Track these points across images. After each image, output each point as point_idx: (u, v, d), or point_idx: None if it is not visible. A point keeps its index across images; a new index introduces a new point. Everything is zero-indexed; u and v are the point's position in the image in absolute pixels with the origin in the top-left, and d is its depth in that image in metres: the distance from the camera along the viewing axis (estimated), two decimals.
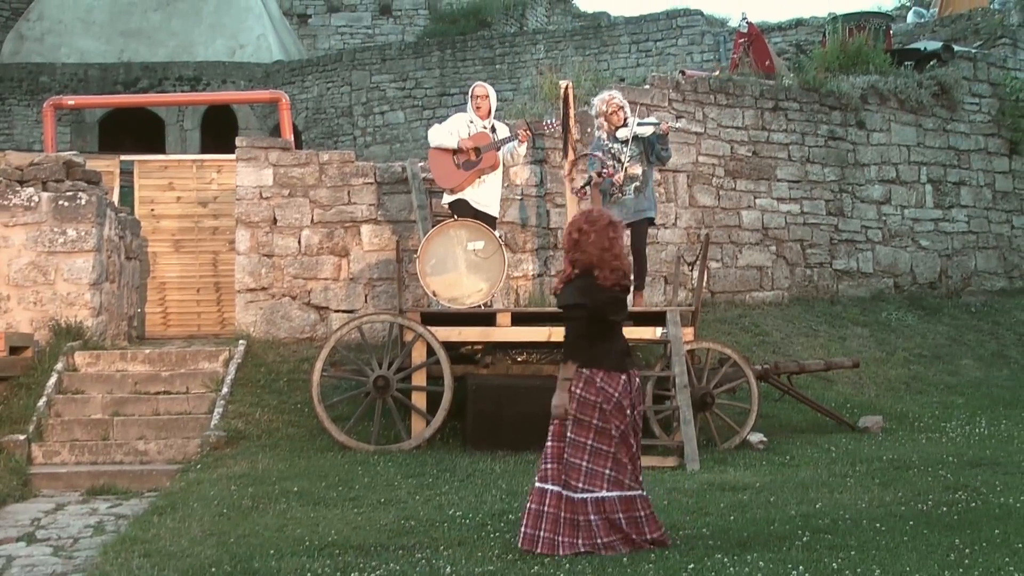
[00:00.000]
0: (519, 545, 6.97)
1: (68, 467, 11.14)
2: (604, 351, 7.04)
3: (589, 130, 13.35)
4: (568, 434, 6.99)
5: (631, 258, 11.32)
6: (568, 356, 7.08)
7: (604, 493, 6.89)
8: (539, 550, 6.86)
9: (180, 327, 16.93)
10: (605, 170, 11.94)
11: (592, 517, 6.87)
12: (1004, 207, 18.61)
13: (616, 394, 6.95)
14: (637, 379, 7.15)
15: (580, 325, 7.04)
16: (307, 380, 11.85)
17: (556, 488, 6.96)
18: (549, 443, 7.09)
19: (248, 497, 8.91)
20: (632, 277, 7.47)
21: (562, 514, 6.89)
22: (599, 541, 6.83)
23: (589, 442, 6.94)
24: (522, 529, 7.01)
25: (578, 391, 6.99)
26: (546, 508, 6.94)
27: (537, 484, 7.05)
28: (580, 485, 6.90)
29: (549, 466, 7.03)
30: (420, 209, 13.51)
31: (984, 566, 6.21)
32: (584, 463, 6.92)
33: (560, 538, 6.86)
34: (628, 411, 6.99)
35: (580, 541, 6.84)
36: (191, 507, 8.72)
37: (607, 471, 6.91)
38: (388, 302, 13.84)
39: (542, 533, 6.90)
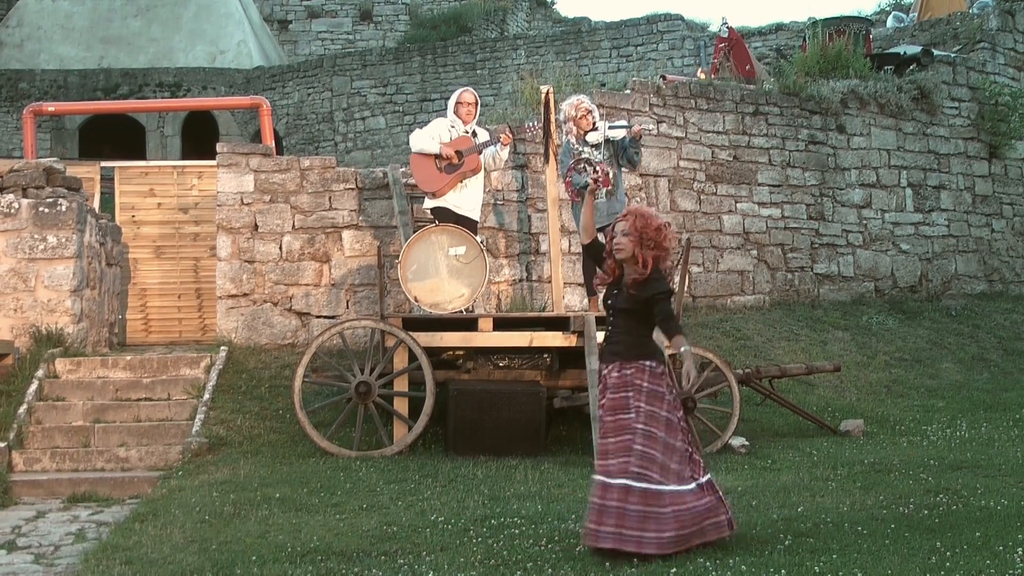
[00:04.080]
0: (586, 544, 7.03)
1: (49, 474, 11.10)
2: (657, 347, 7.28)
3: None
4: (638, 426, 7.01)
5: None
6: (675, 331, 7.19)
7: (677, 487, 6.93)
8: (606, 545, 6.87)
9: (161, 333, 16.90)
10: (599, 177, 11.90)
11: (667, 509, 6.84)
12: (984, 210, 18.68)
13: (671, 387, 7.17)
14: None
15: (670, 307, 7.21)
16: (289, 386, 11.83)
17: (623, 481, 6.93)
18: (614, 438, 7.09)
19: (230, 504, 8.90)
20: None
21: (633, 507, 6.86)
22: (671, 535, 6.81)
23: (660, 434, 7.01)
24: (588, 525, 7.03)
25: (647, 384, 7.09)
26: (609, 503, 6.92)
27: (599, 478, 7.06)
28: (655, 476, 6.89)
29: (614, 461, 7.02)
30: (401, 215, 13.50)
31: (965, 569, 6.23)
32: (658, 455, 6.95)
33: (633, 532, 6.82)
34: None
35: (666, 535, 6.80)
36: (173, 514, 8.70)
37: (674, 465, 6.98)
38: (370, 308, 13.82)
39: (604, 529, 6.89)
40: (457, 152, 12.32)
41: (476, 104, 12.69)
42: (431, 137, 12.42)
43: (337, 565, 6.95)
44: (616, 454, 7.02)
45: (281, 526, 8.11)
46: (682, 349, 7.11)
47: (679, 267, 12.54)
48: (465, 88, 12.97)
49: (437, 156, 12.35)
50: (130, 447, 11.55)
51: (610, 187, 11.95)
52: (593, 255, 7.68)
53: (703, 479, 7.06)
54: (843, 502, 8.38)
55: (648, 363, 7.12)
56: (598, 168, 11.73)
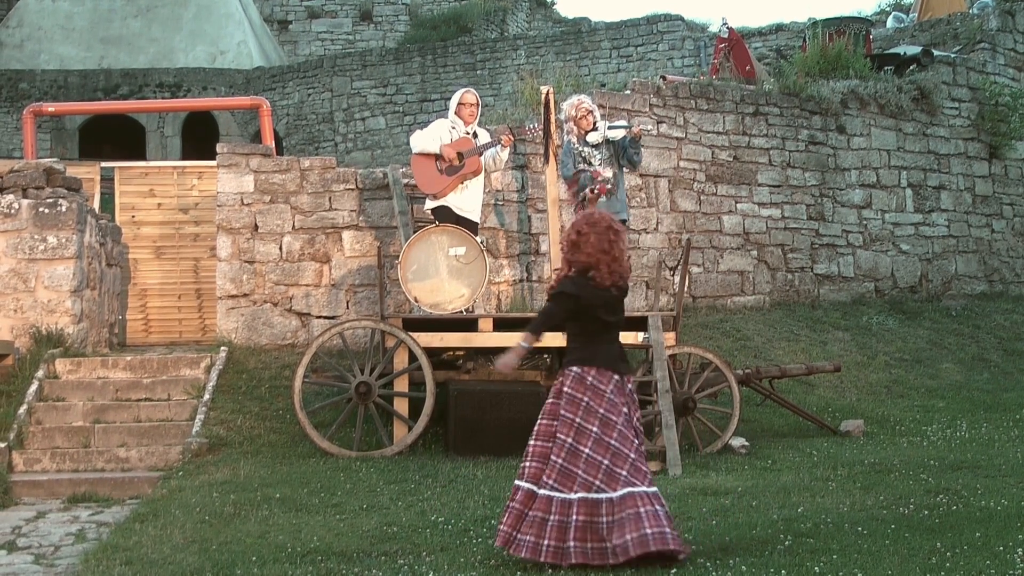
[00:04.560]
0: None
1: (49, 475, 11.11)
2: (596, 351, 7.08)
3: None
4: (557, 433, 6.98)
5: None
6: (530, 328, 7.23)
7: (570, 495, 6.82)
8: (497, 543, 6.93)
9: (161, 334, 16.90)
10: (597, 185, 11.90)
11: (552, 517, 6.80)
12: (984, 211, 18.68)
13: (608, 391, 6.96)
14: (631, 384, 7.14)
15: (557, 311, 7.17)
16: (289, 386, 11.84)
17: (528, 485, 6.96)
18: (533, 441, 7.09)
19: (230, 504, 8.90)
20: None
21: (528, 511, 6.87)
22: (551, 543, 6.74)
23: (569, 440, 6.92)
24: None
25: (567, 389, 7.00)
26: (513, 504, 6.96)
27: (515, 481, 7.08)
28: (550, 483, 6.87)
29: (527, 464, 7.05)
30: (402, 215, 13.50)
31: (965, 569, 6.23)
32: (560, 461, 6.90)
33: (520, 535, 6.83)
34: (624, 408, 6.99)
35: (546, 542, 6.74)
36: (173, 514, 8.70)
37: (580, 472, 6.87)
38: (370, 308, 13.82)
39: (502, 527, 6.94)
40: (458, 154, 12.33)
41: (478, 105, 12.71)
42: (432, 138, 12.44)
43: (337, 565, 6.95)
44: (534, 458, 7.03)
45: (281, 526, 8.12)
46: (519, 343, 7.21)
47: (679, 267, 12.54)
48: (466, 89, 12.98)
49: (438, 157, 12.36)
50: (130, 447, 11.56)
51: (611, 190, 11.97)
52: None
53: (622, 491, 6.80)
54: (843, 502, 8.38)
55: (574, 369, 7.06)
56: (597, 184, 11.76)
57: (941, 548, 6.69)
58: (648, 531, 6.64)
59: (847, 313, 16.30)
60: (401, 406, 11.50)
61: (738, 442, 11.41)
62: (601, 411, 6.94)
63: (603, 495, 6.80)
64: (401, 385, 11.57)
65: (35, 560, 8.03)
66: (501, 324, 11.79)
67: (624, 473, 6.84)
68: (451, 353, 12.31)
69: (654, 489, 6.88)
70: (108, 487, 10.73)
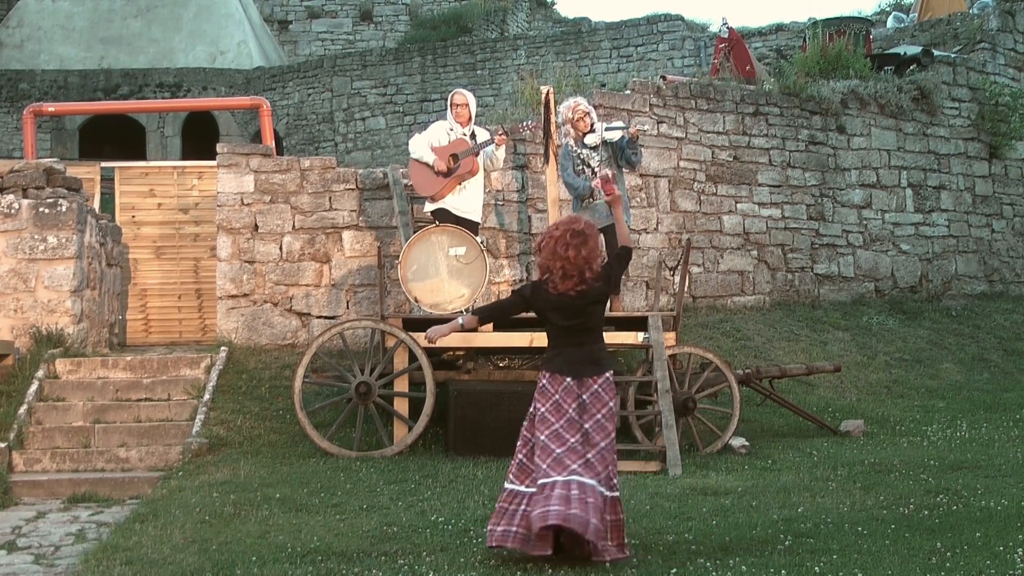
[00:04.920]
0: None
1: (49, 475, 11.11)
2: (556, 355, 7.20)
3: None
4: (524, 432, 7.25)
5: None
6: (476, 310, 7.85)
7: (520, 488, 7.04)
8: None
9: (161, 334, 16.89)
10: (595, 182, 11.88)
11: (499, 504, 7.07)
12: (984, 211, 18.68)
13: (556, 394, 7.04)
14: (596, 387, 7.11)
15: (505, 307, 7.62)
16: (289, 386, 11.85)
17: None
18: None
19: (230, 504, 8.90)
20: (600, 284, 7.40)
21: (507, 506, 7.08)
22: (496, 528, 6.98)
23: (529, 436, 7.14)
24: None
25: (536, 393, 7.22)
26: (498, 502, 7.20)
27: None
28: (510, 476, 7.12)
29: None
30: (402, 215, 13.50)
31: (965, 569, 6.23)
32: (520, 457, 7.14)
33: (494, 527, 7.04)
34: (570, 411, 7.01)
35: (493, 526, 7.00)
36: (173, 514, 8.70)
37: (542, 464, 6.99)
38: (370, 308, 13.83)
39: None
40: (453, 156, 12.33)
41: (467, 105, 12.65)
42: (428, 143, 12.44)
43: (337, 565, 6.95)
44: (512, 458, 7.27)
45: (281, 526, 8.12)
46: (457, 320, 7.53)
47: (679, 267, 12.54)
48: (456, 90, 12.98)
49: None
50: (130, 447, 11.56)
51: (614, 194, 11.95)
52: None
53: (539, 481, 6.92)
54: (843, 502, 8.38)
55: (539, 373, 7.25)
56: (597, 183, 11.78)
57: (941, 548, 6.69)
58: (546, 508, 6.72)
59: (847, 313, 16.29)
60: (401, 406, 11.50)
61: (738, 442, 11.41)
62: (542, 410, 7.07)
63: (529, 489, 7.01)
64: (401, 385, 11.58)
65: (35, 560, 8.03)
66: (501, 324, 11.78)
67: (544, 466, 6.93)
68: (451, 353, 12.31)
69: (571, 478, 6.86)
70: (108, 487, 10.74)
